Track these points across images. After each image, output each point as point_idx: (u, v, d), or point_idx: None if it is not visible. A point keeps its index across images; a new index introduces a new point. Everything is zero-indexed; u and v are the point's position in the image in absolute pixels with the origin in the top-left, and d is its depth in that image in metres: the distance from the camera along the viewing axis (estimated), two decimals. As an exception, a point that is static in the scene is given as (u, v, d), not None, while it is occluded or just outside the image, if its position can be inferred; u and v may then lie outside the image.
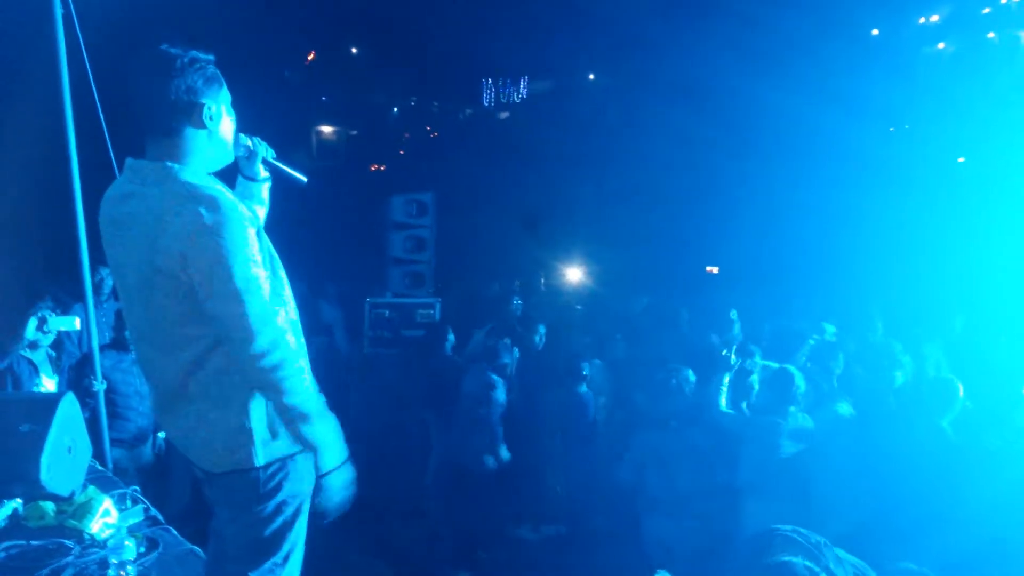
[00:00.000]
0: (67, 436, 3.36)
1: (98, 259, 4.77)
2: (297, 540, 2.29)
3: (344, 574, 5.10)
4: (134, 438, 5.06)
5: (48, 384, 4.58)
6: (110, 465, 4.32)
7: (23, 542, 3.01)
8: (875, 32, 17.54)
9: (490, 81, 33.73)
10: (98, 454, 4.10)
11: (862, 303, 7.72)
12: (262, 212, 2.54)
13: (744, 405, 4.90)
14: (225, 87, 2.19)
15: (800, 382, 4.48)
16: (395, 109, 32.29)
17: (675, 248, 12.53)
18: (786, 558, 2.16)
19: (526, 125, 27.45)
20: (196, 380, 2.09)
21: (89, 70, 3.88)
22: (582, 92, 28.25)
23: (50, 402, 3.29)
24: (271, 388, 2.03)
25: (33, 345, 4.52)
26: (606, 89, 25.93)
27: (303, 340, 2.20)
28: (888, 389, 4.99)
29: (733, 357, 4.83)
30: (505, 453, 5.81)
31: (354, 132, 29.33)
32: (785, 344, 5.88)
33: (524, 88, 33.43)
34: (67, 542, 3.04)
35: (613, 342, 7.01)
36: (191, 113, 2.08)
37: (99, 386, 4.29)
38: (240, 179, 2.48)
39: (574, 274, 10.85)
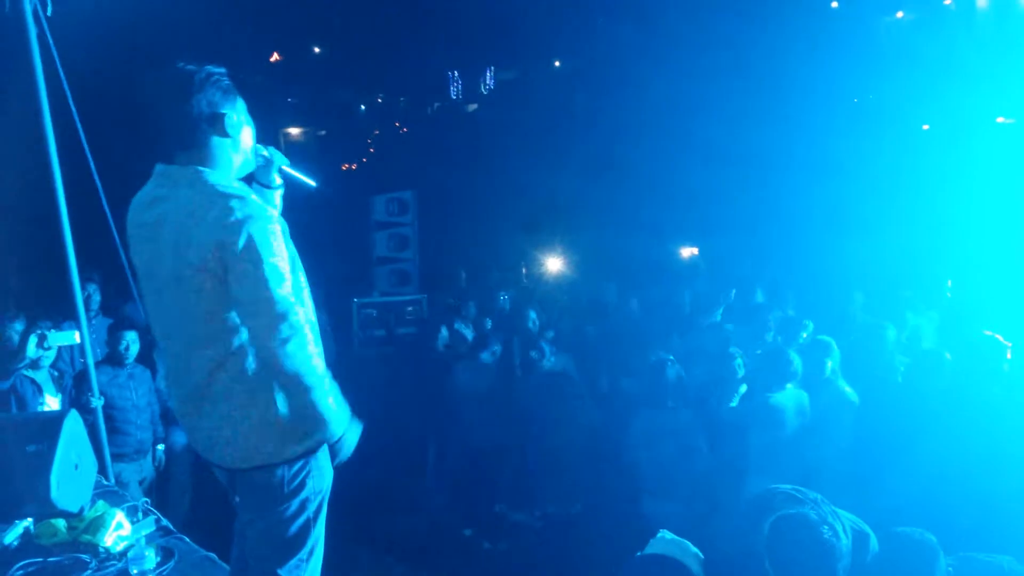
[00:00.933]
0: (73, 453, 3.38)
1: (86, 276, 4.79)
2: (320, 535, 2.36)
3: (355, 571, 5.15)
4: (134, 451, 5.07)
5: (52, 403, 4.58)
6: (112, 479, 4.35)
7: (40, 559, 3.04)
8: (835, 4, 17.75)
9: (456, 73, 33.64)
10: (100, 469, 4.11)
11: (834, 276, 7.82)
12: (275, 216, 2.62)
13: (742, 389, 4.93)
14: (239, 97, 2.27)
15: (796, 359, 4.57)
16: (362, 107, 32.13)
17: (649, 232, 12.63)
18: (796, 510, 2.26)
19: (495, 115, 27.50)
20: (220, 380, 2.14)
21: (67, 89, 3.89)
22: (549, 79, 28.31)
23: (55, 421, 3.30)
24: (286, 370, 2.10)
25: (35, 364, 4.51)
26: (573, 75, 25.98)
27: (320, 340, 2.26)
28: (887, 367, 5.08)
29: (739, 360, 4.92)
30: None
31: (322, 132, 29.19)
32: (753, 321, 6.05)
33: (491, 79, 33.40)
34: (84, 556, 3.08)
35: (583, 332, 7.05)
36: (214, 123, 2.18)
37: (97, 402, 4.31)
38: (255, 186, 2.56)
39: (554, 264, 10.91)
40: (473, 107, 32.78)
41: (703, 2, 16.03)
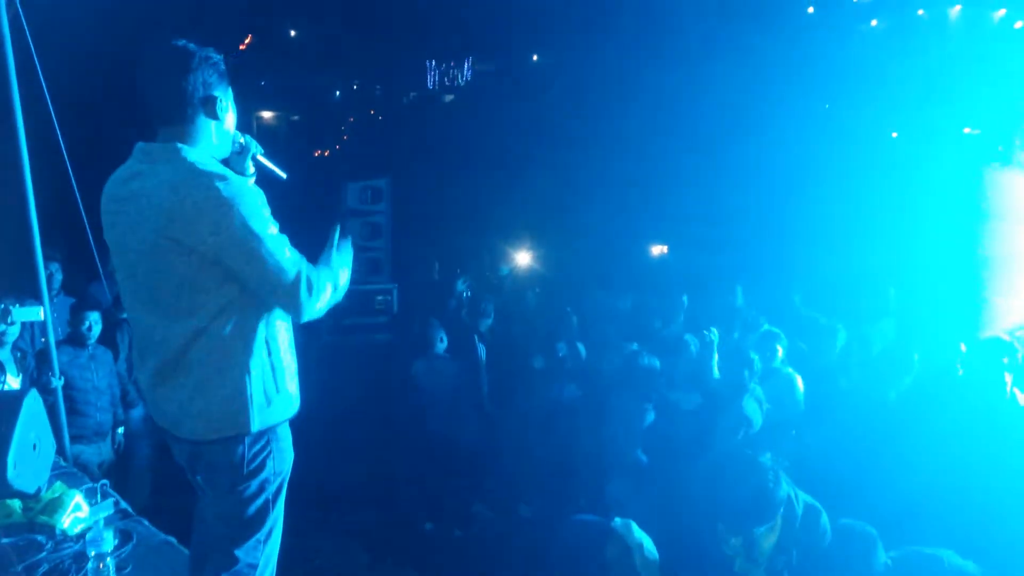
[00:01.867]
0: (32, 433, 3.34)
1: (49, 255, 4.70)
2: (278, 517, 2.38)
3: (318, 557, 5.14)
4: (93, 433, 5.00)
5: (13, 383, 4.48)
6: (70, 461, 4.29)
7: (-6, 540, 2.99)
8: (810, 10, 17.96)
9: (434, 63, 33.47)
10: (58, 450, 4.06)
11: (797, 278, 7.94)
12: None
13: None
14: (229, 85, 2.31)
15: (756, 358, 4.66)
16: (337, 93, 31.83)
17: (623, 228, 12.71)
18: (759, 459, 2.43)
19: (472, 107, 27.41)
20: (199, 346, 2.16)
21: (39, 69, 3.83)
22: (527, 73, 28.30)
23: (14, 400, 3.25)
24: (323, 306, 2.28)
25: (-2, 339, 4.41)
26: (550, 69, 26.00)
27: (292, 336, 2.38)
28: (833, 362, 5.20)
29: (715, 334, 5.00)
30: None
31: (295, 117, 28.88)
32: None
33: (468, 70, 33.29)
34: (39, 538, 3.03)
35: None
36: (205, 104, 2.21)
37: (57, 382, 4.24)
38: None
39: (524, 258, 10.92)
40: (450, 98, 32.67)
41: (680, 4, 16.15)
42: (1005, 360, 4.35)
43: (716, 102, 14.74)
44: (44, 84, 3.99)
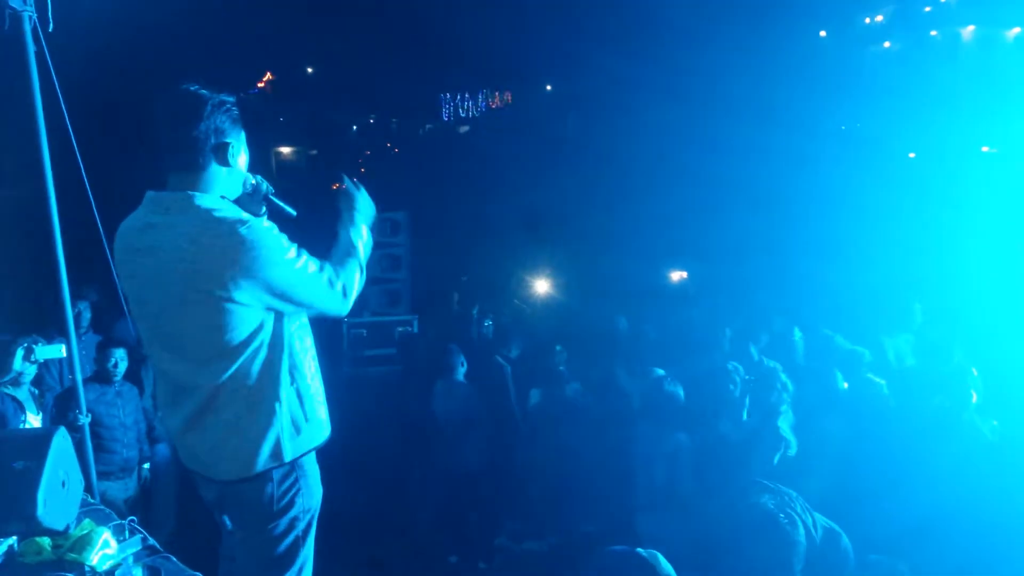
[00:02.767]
0: (61, 471, 3.35)
1: (78, 293, 4.77)
2: (308, 554, 2.38)
3: (344, 591, 5.11)
4: (120, 469, 5.03)
5: (33, 421, 4.53)
6: (97, 497, 4.31)
7: (25, 579, 3.00)
8: (823, 34, 18.04)
9: (448, 96, 33.91)
10: (86, 487, 4.08)
11: (817, 299, 7.90)
12: None
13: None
14: (243, 128, 2.31)
15: (787, 381, 4.62)
16: (354, 127, 32.30)
17: (642, 252, 12.69)
18: (757, 499, 2.41)
19: (487, 138, 27.65)
20: (228, 388, 2.18)
21: (63, 106, 3.91)
22: (540, 103, 28.58)
23: (44, 438, 3.28)
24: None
25: (16, 381, 4.47)
26: (563, 98, 26.26)
27: (318, 366, 2.43)
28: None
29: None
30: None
31: (314, 152, 29.30)
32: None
33: (483, 102, 33.63)
34: (69, 575, 3.03)
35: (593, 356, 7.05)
36: (217, 151, 2.21)
37: (84, 419, 4.27)
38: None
39: (543, 286, 10.94)
40: (465, 129, 33.02)
41: (694, 32, 16.28)
42: None
43: (731, 127, 14.78)
44: (69, 124, 4.08)
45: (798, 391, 4.76)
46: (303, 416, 2.27)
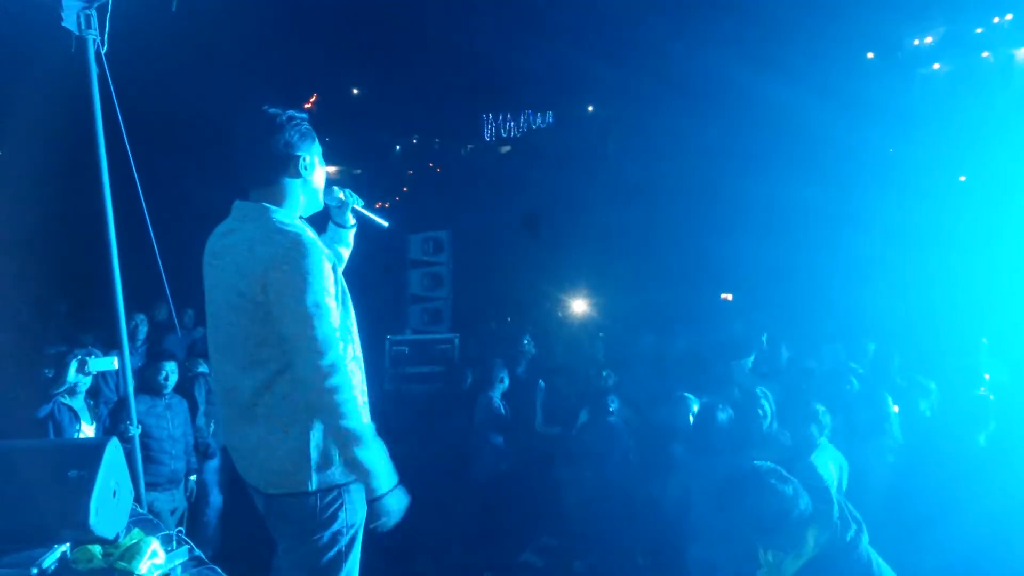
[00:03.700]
0: (112, 480, 3.43)
1: (135, 308, 4.90)
2: (352, 569, 2.39)
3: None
4: (167, 481, 5.12)
5: (87, 430, 4.64)
6: (145, 508, 4.38)
7: (76, 585, 3.06)
8: (870, 56, 17.81)
9: (490, 116, 34.20)
10: (135, 497, 4.16)
11: (865, 326, 7.73)
12: (347, 253, 2.77)
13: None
14: (317, 141, 2.41)
15: (823, 411, 4.51)
16: (397, 147, 32.77)
17: (684, 275, 12.60)
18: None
19: (528, 158, 27.78)
20: (264, 402, 2.22)
21: (123, 128, 4.03)
22: (581, 124, 28.64)
23: (97, 448, 3.36)
24: (328, 409, 2.16)
25: (72, 391, 4.58)
26: (605, 120, 26.30)
27: (364, 375, 2.36)
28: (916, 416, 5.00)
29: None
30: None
31: (358, 171, 29.77)
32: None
33: (524, 123, 33.85)
34: (119, 584, 3.09)
35: (632, 374, 7.00)
36: (288, 164, 2.31)
37: (135, 430, 4.36)
38: (331, 224, 2.70)
39: (580, 306, 10.91)
40: (506, 149, 33.24)
41: (738, 55, 16.20)
42: None
43: (776, 150, 14.64)
44: (128, 145, 4.21)
45: (850, 415, 4.66)
46: (337, 452, 2.25)
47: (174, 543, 3.47)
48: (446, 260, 8.85)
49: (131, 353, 4.50)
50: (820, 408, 4.52)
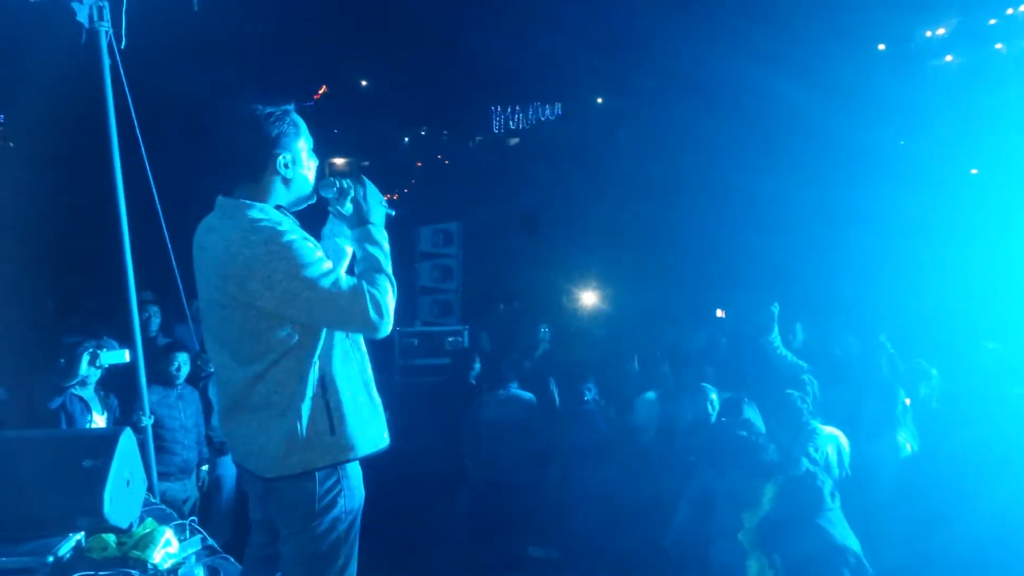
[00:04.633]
0: (126, 470, 3.47)
1: (146, 299, 4.93)
2: (352, 555, 2.41)
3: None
4: (179, 471, 5.16)
5: (99, 420, 4.67)
6: (158, 497, 4.42)
7: (91, 573, 3.09)
8: (881, 47, 17.68)
9: (498, 108, 34.15)
10: (148, 487, 4.19)
11: (877, 320, 7.69)
12: (351, 250, 2.71)
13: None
14: (303, 134, 2.39)
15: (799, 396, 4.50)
16: (405, 139, 32.77)
17: (695, 269, 12.56)
18: None
19: (537, 150, 27.72)
20: (259, 390, 2.26)
21: (135, 120, 4.05)
22: (591, 116, 28.57)
23: (111, 438, 3.40)
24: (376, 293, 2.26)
25: (83, 382, 4.61)
26: (614, 112, 26.21)
27: (366, 356, 2.47)
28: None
29: None
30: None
31: (366, 163, 29.80)
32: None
33: (532, 114, 33.77)
34: (133, 572, 3.12)
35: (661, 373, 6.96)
36: (267, 161, 2.31)
37: (147, 421, 4.40)
38: (331, 216, 2.66)
39: (590, 298, 10.91)
40: (515, 141, 33.18)
41: (747, 47, 16.11)
42: None
43: (786, 142, 14.56)
44: (139, 133, 4.23)
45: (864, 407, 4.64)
46: (328, 430, 2.28)
47: (187, 532, 3.51)
48: (456, 252, 8.86)
49: (143, 344, 4.53)
50: (796, 394, 4.50)
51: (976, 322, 7.00)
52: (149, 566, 3.21)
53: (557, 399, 6.41)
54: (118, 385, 4.83)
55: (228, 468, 5.72)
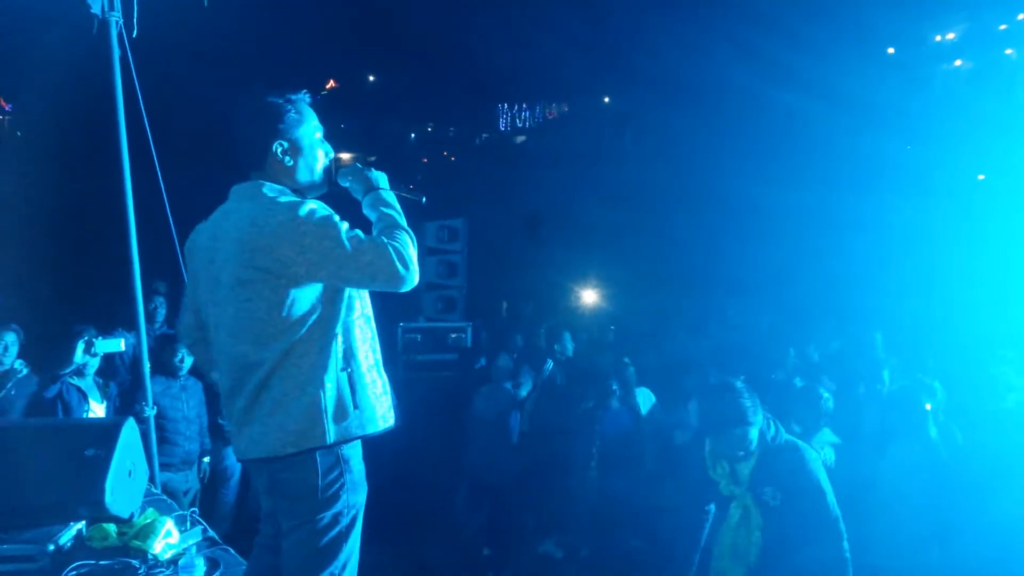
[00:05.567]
0: (128, 460, 3.48)
1: (153, 290, 4.93)
2: (353, 550, 2.41)
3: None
4: (181, 462, 5.17)
5: (97, 410, 4.68)
6: (159, 488, 4.43)
7: (92, 562, 3.10)
8: (891, 51, 17.61)
9: (505, 106, 34.13)
10: (149, 477, 4.20)
11: (884, 328, 7.66)
12: None
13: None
14: (310, 123, 2.43)
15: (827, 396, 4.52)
16: (412, 135, 32.77)
17: (699, 274, 12.52)
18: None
19: (543, 148, 27.73)
20: (283, 366, 2.27)
21: (143, 111, 4.06)
22: (598, 115, 28.54)
23: (113, 427, 3.41)
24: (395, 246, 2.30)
25: (80, 371, 4.60)
26: (621, 112, 26.16)
27: (375, 333, 2.50)
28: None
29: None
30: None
31: (372, 158, 29.80)
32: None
33: (539, 112, 33.74)
34: (133, 562, 3.13)
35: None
36: (266, 148, 2.37)
37: (149, 412, 4.40)
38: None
39: (591, 296, 10.91)
40: (521, 139, 33.17)
41: (755, 49, 16.05)
42: None
43: (794, 147, 14.52)
44: (148, 124, 4.23)
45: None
46: (352, 403, 2.32)
47: (188, 523, 3.52)
48: (461, 248, 8.87)
49: (148, 334, 4.54)
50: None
51: (983, 329, 6.97)
52: (149, 556, 3.21)
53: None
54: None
55: (234, 458, 5.74)
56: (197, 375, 5.46)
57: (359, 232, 2.30)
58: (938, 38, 17.10)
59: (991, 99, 13.63)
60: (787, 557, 3.18)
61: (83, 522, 3.37)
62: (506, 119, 34.07)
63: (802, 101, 14.78)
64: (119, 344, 4.59)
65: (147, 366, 4.42)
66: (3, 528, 3.13)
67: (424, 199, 2.66)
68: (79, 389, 4.69)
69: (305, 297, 2.26)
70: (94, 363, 4.74)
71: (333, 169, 2.55)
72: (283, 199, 2.30)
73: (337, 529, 2.34)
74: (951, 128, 13.60)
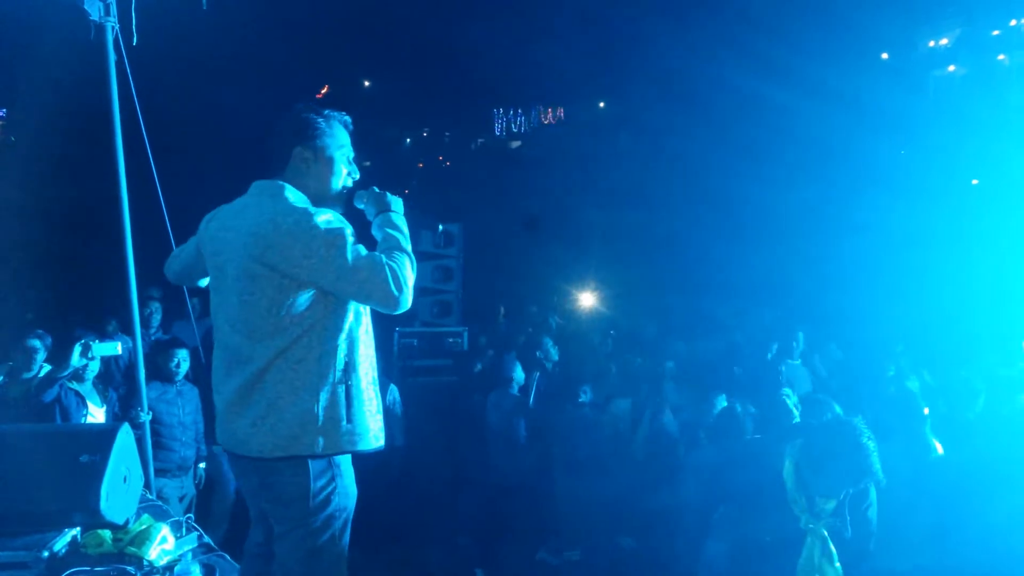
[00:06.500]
0: (123, 466, 3.46)
1: (147, 295, 4.91)
2: (342, 554, 2.43)
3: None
4: (177, 467, 5.15)
5: (96, 413, 4.67)
6: (154, 494, 4.41)
7: (87, 569, 3.08)
8: (885, 56, 17.69)
9: (500, 111, 34.16)
10: (144, 483, 4.18)
11: (878, 330, 7.70)
12: None
13: None
14: (339, 140, 2.53)
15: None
16: (407, 140, 32.79)
17: (696, 276, 12.52)
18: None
19: (538, 153, 27.76)
20: (278, 366, 2.29)
21: (140, 116, 4.05)
22: (592, 120, 28.62)
23: (108, 433, 3.39)
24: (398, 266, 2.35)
25: (78, 375, 4.58)
26: (617, 117, 26.22)
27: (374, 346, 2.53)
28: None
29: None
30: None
31: (367, 163, 29.79)
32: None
33: (535, 117, 33.79)
34: (129, 568, 3.11)
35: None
36: (286, 154, 2.47)
37: (145, 417, 4.39)
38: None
39: (588, 299, 10.91)
40: (516, 144, 33.21)
41: (749, 53, 16.10)
42: None
43: (788, 151, 14.56)
44: (144, 130, 4.23)
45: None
46: (345, 416, 2.33)
47: (184, 529, 3.50)
48: (457, 253, 8.87)
49: (144, 339, 4.52)
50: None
51: (976, 332, 7.00)
52: (145, 563, 3.19)
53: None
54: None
55: (226, 462, 5.71)
56: (193, 380, 5.44)
57: (361, 248, 2.33)
58: (932, 43, 17.20)
59: (984, 104, 13.71)
60: None
61: (78, 528, 3.35)
62: (501, 124, 34.09)
63: (797, 105, 14.83)
64: (116, 347, 4.56)
65: (142, 371, 4.40)
66: (-3, 534, 3.12)
67: (441, 227, 2.71)
68: (77, 393, 4.67)
69: (306, 301, 2.29)
70: (94, 367, 4.72)
71: (351, 191, 2.60)
72: (301, 204, 2.37)
73: (329, 533, 2.37)
74: (945, 133, 13.68)
